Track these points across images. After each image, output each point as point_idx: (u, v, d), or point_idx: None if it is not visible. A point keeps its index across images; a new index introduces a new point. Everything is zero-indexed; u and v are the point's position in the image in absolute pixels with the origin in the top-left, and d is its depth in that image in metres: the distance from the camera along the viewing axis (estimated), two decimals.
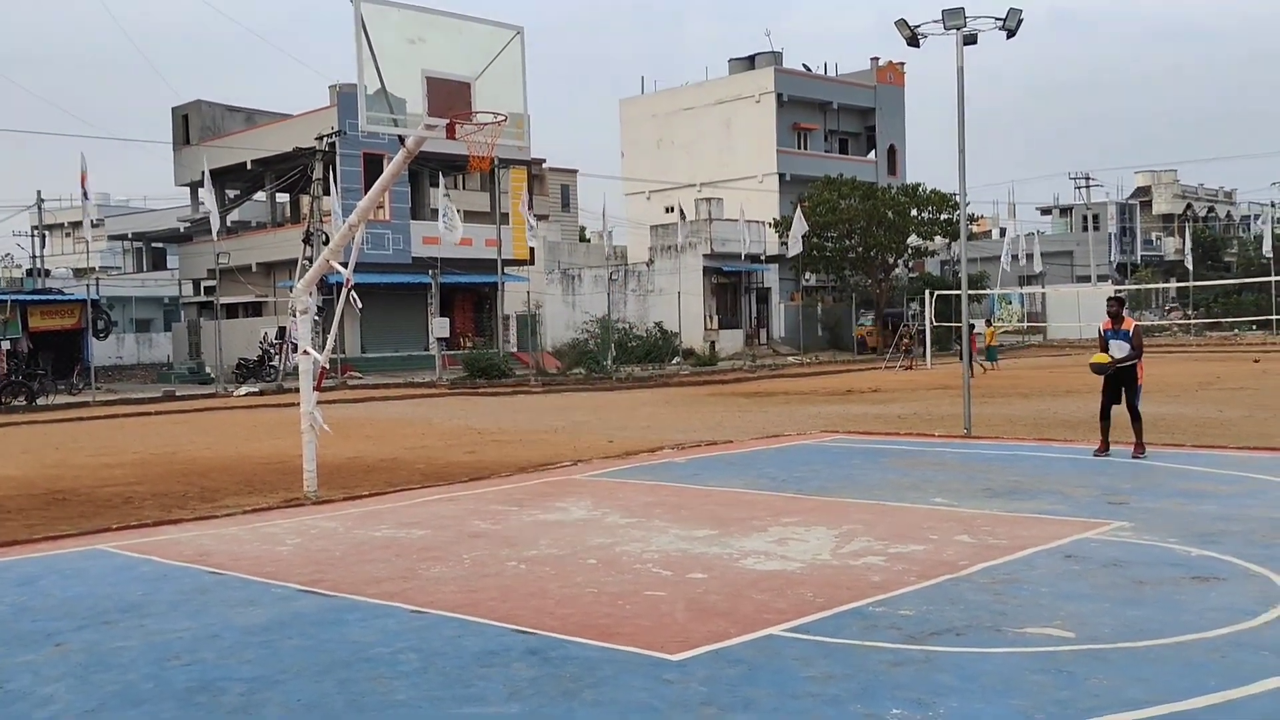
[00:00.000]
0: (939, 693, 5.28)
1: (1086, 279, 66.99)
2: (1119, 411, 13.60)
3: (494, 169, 43.59)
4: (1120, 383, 13.58)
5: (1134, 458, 13.31)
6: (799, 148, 61.25)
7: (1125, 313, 13.87)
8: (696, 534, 9.36)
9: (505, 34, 12.05)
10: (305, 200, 43.15)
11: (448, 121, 11.41)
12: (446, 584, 7.84)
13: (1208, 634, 6.12)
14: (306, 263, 36.97)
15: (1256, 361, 35.68)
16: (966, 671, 5.57)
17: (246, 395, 31.81)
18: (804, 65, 63.55)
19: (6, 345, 33.09)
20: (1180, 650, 5.86)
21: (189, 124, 47.59)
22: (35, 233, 59.46)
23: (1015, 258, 60.01)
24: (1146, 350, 14.34)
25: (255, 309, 44.57)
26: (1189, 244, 68.20)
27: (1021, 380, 30.85)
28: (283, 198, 50.49)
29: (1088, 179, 79.40)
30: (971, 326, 41.66)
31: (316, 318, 27.90)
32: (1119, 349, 13.52)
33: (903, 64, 65.16)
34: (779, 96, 59.52)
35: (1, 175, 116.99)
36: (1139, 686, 5.30)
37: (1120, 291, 32.97)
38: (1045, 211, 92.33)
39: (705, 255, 51.61)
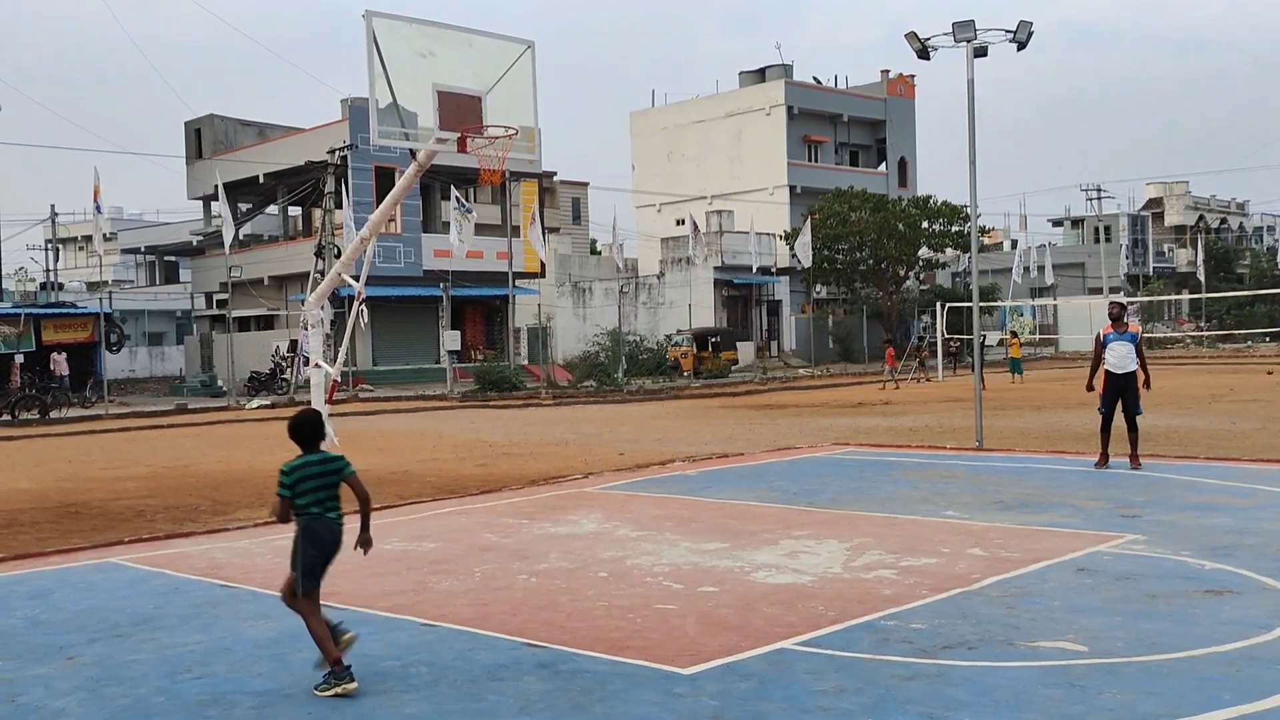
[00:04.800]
0: (951, 707, 5.26)
1: (1098, 291, 66.85)
2: (1117, 424, 13.52)
3: (505, 182, 43.80)
4: (1119, 393, 13.49)
5: (1132, 469, 13.24)
6: (809, 160, 61.31)
7: (1128, 318, 13.85)
8: (707, 547, 9.35)
9: (516, 48, 12.10)
10: (317, 214, 43.31)
11: (459, 135, 11.46)
12: (457, 597, 7.84)
13: (1221, 648, 6.08)
14: (318, 276, 37.09)
15: (1270, 373, 35.52)
16: (979, 685, 5.55)
17: (258, 408, 31.88)
18: (814, 78, 63.69)
19: (20, 359, 33.26)
20: (1194, 664, 5.83)
21: (202, 138, 47.84)
22: (49, 246, 59.79)
23: (1027, 269, 59.99)
24: (1154, 361, 14.30)
25: (267, 322, 44.74)
26: (1201, 255, 68.04)
27: (1034, 393, 30.76)
28: (295, 211, 50.69)
29: (1099, 190, 79.40)
30: (892, 340, 41.58)
31: (328, 331, 27.98)
32: (1123, 350, 13.42)
33: (913, 76, 65.25)
34: (789, 109, 59.60)
35: (16, 190, 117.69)
36: (1152, 700, 5.28)
37: (1122, 298, 32.95)
38: (1057, 223, 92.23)
39: (716, 268, 51.64)
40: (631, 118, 67.33)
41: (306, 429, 6.20)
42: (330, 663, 5.78)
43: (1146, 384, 13.80)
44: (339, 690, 5.69)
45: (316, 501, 6.08)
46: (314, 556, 6.02)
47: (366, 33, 11.14)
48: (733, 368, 45.06)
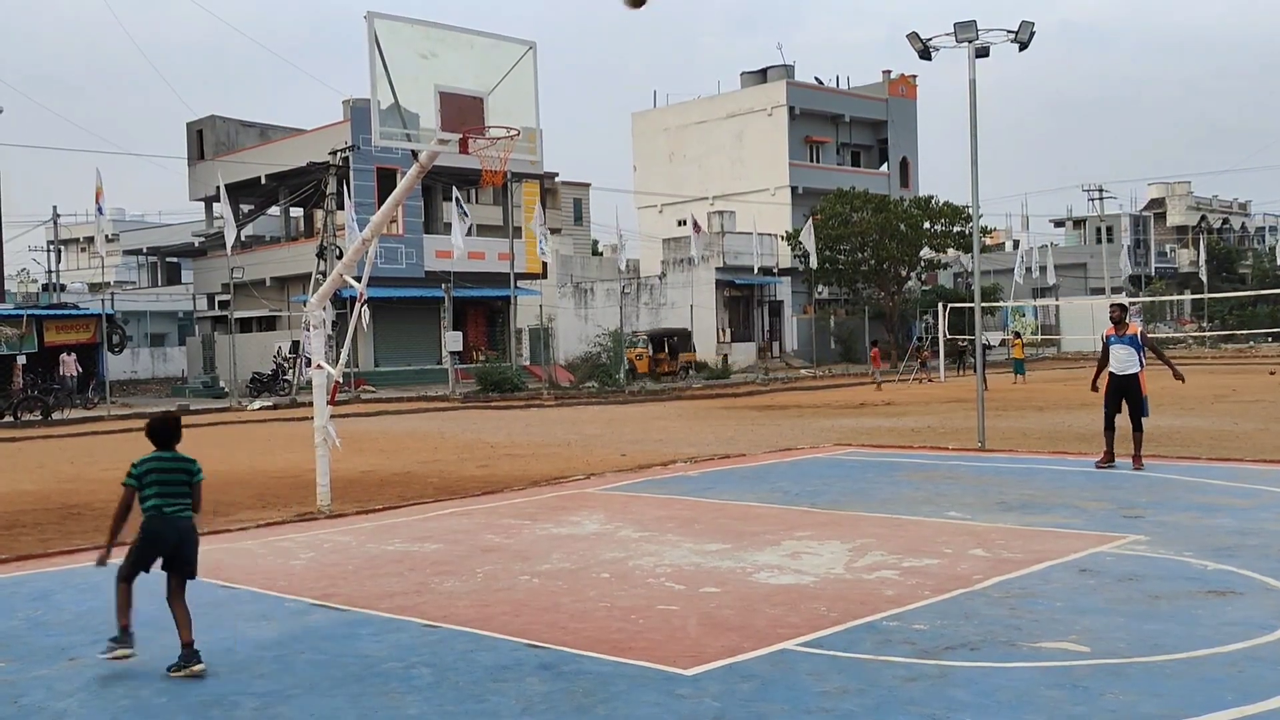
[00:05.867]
0: (953, 708, 5.25)
1: (1100, 291, 66.84)
2: (1122, 423, 13.55)
3: (507, 183, 43.77)
4: (1122, 394, 13.53)
5: (1134, 469, 13.26)
6: (811, 161, 61.29)
7: (1129, 319, 13.91)
8: (709, 548, 9.34)
9: (517, 49, 12.11)
10: (319, 215, 43.32)
11: (460, 136, 11.46)
12: (459, 598, 7.84)
13: (1224, 648, 6.08)
14: (320, 277, 37.10)
15: (1272, 374, 35.50)
16: (981, 686, 5.55)
17: (260, 409, 31.89)
18: (816, 78, 63.67)
19: (23, 360, 33.28)
20: (1196, 665, 5.82)
21: (203, 139, 47.87)
22: (51, 248, 59.86)
23: (1029, 270, 59.89)
24: (1157, 363, 14.29)
25: (269, 323, 44.73)
26: (1203, 256, 67.95)
27: (1036, 393, 30.75)
28: (296, 212, 50.69)
29: (1101, 191, 79.28)
30: (878, 342, 40.97)
31: (330, 332, 27.97)
32: (1124, 353, 13.49)
33: (915, 76, 65.21)
34: (791, 109, 59.59)
35: (18, 191, 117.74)
36: (1155, 701, 5.27)
37: (1125, 299, 32.95)
38: (1059, 223, 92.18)
39: (717, 268, 51.62)
40: (633, 118, 67.32)
41: (159, 429, 6.55)
42: (119, 628, 6.32)
43: (1178, 377, 14.31)
44: (119, 654, 6.23)
45: (159, 496, 6.36)
46: (145, 550, 6.39)
47: (368, 34, 11.14)
48: (690, 370, 42.40)
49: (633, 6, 11.31)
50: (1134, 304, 49.12)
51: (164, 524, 6.35)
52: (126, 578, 6.44)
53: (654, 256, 57.94)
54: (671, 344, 43.29)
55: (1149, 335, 14.14)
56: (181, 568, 6.42)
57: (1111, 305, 14.31)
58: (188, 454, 6.57)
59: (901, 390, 34.40)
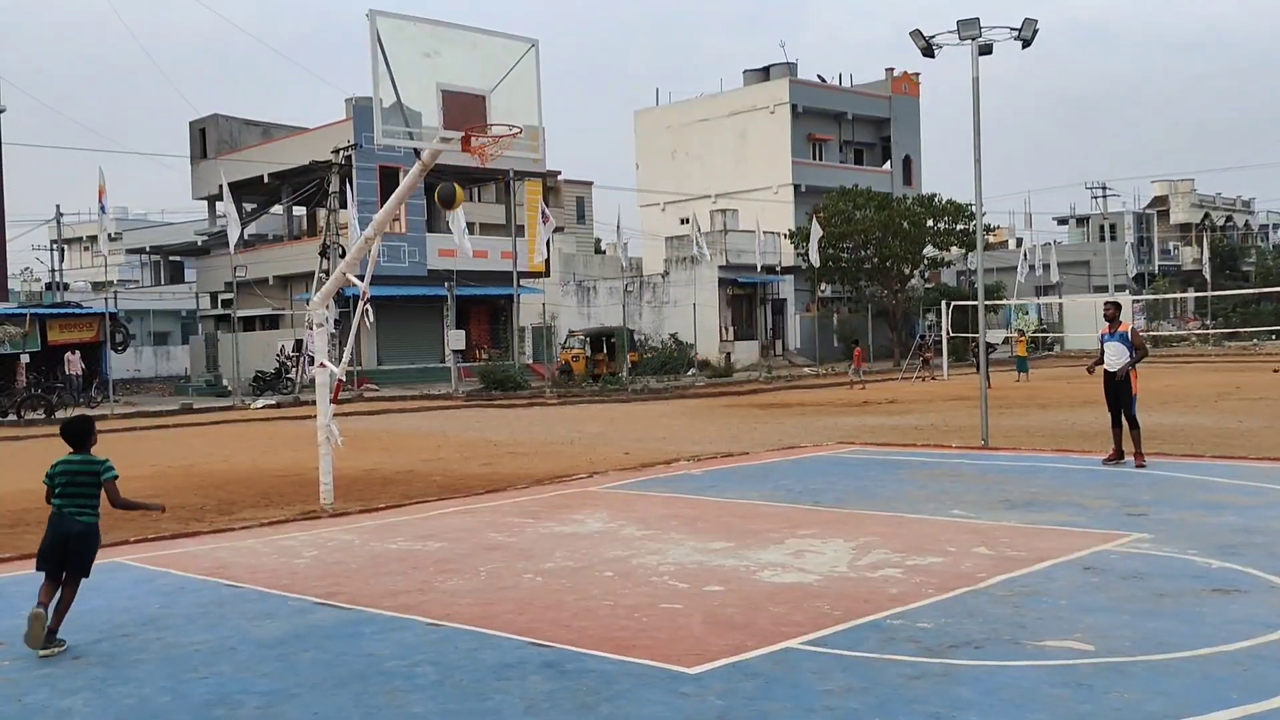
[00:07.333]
0: (958, 706, 5.24)
1: (1104, 289, 66.76)
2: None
3: (509, 181, 43.76)
4: (1115, 392, 13.58)
5: (1136, 467, 13.28)
6: (814, 158, 61.22)
7: (1123, 316, 13.96)
8: (713, 546, 9.34)
9: (520, 47, 12.10)
10: (322, 213, 43.32)
11: (463, 134, 11.45)
12: (463, 596, 7.83)
13: (1229, 647, 6.07)
14: (323, 275, 37.10)
15: (1276, 371, 35.44)
16: (985, 685, 5.54)
17: (263, 408, 31.90)
18: (819, 76, 63.59)
19: (26, 359, 33.30)
20: (1201, 663, 5.81)
21: (206, 138, 47.88)
22: (54, 247, 59.86)
23: (1032, 268, 59.83)
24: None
25: (272, 322, 44.76)
26: (1207, 253, 67.88)
27: (1039, 391, 30.72)
28: (299, 211, 50.67)
29: (1104, 188, 79.29)
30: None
31: (333, 330, 27.99)
32: (1114, 351, 13.55)
33: (918, 74, 65.11)
34: (794, 107, 59.53)
35: (21, 190, 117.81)
36: (1159, 700, 5.26)
37: (1125, 296, 32.94)
38: (1062, 221, 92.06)
39: (720, 266, 51.58)
40: (636, 117, 67.28)
41: (71, 431, 7.09)
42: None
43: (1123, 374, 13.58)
44: (51, 651, 6.50)
45: (63, 496, 6.84)
46: (47, 543, 6.81)
47: (371, 32, 11.15)
48: (630, 371, 39.35)
49: (446, 208, 11.58)
50: (1137, 302, 49.09)
51: (62, 522, 6.78)
52: (43, 571, 6.80)
53: (657, 255, 57.91)
54: (611, 344, 41.07)
55: (1139, 334, 14.14)
56: (75, 566, 6.82)
57: (1105, 303, 14.35)
58: (103, 455, 7.03)
59: (904, 388, 34.38)
